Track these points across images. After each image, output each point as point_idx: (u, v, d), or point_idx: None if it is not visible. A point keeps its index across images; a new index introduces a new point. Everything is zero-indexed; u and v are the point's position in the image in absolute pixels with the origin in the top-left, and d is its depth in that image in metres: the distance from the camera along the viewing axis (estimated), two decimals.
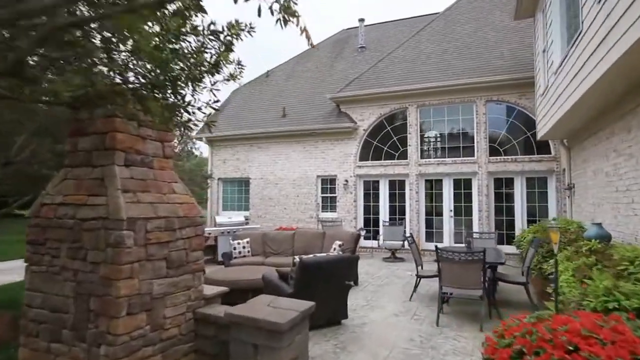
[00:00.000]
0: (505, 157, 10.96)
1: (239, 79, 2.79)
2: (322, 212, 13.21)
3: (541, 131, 9.05)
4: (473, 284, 5.15)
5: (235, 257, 8.24)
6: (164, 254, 3.74)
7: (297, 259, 4.93)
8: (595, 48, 4.85)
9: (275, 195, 13.78)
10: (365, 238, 12.12)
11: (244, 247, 8.41)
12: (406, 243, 10.34)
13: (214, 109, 2.79)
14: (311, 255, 5.05)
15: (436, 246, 5.44)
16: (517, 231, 10.69)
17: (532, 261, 5.90)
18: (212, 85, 2.69)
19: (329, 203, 13.18)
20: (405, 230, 11.41)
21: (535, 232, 7.70)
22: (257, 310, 3.68)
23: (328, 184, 13.20)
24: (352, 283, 5.50)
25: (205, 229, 10.45)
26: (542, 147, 10.63)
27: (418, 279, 6.64)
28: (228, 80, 2.77)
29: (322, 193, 13.26)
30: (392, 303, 6.41)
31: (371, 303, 6.43)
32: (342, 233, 8.00)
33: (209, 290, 4.40)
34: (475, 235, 8.06)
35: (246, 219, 12.95)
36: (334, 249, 7.63)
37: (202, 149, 17.31)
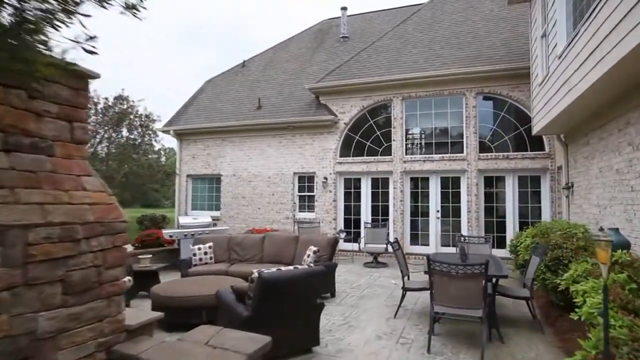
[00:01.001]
0: (497, 153, 10.17)
1: (139, 10, 1.76)
2: (300, 212, 12.20)
3: (537, 125, 8.26)
4: (472, 303, 4.23)
5: (195, 265, 7.15)
6: (58, 274, 2.67)
7: (255, 273, 3.93)
8: (620, 21, 3.99)
9: (248, 194, 12.69)
10: (346, 240, 11.19)
11: (205, 253, 7.32)
12: (390, 247, 9.45)
13: (88, 51, 1.74)
14: (273, 269, 4.04)
15: (428, 257, 4.50)
16: (509, 234, 9.93)
17: (536, 272, 5.03)
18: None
19: (306, 202, 12.18)
20: (388, 233, 10.51)
21: (534, 236, 6.88)
22: (188, 352, 2.65)
23: (306, 181, 12.19)
24: (323, 303, 4.51)
25: (167, 231, 9.33)
26: (536, 144, 9.89)
27: (404, 292, 5.71)
28: (125, 9, 1.73)
29: (299, 192, 12.24)
30: (374, 321, 5.45)
31: (350, 321, 5.46)
32: (318, 237, 7.02)
33: (136, 317, 3.34)
34: (467, 240, 7.20)
35: (214, 220, 11.85)
36: (308, 255, 6.63)
37: (167, 143, 16.05)
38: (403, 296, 5.78)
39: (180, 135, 13.63)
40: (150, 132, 9.85)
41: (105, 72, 3.37)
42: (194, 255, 7.22)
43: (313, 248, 6.65)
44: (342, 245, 11.32)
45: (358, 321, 5.45)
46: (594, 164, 6.65)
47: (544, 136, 9.74)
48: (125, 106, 8.66)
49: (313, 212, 11.89)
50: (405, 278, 5.83)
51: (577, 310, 3.34)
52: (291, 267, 4.19)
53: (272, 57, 15.97)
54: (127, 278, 6.29)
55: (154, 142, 9.97)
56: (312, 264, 5.38)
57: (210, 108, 13.94)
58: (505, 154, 10.06)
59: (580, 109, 6.09)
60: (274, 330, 3.88)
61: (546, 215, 9.63)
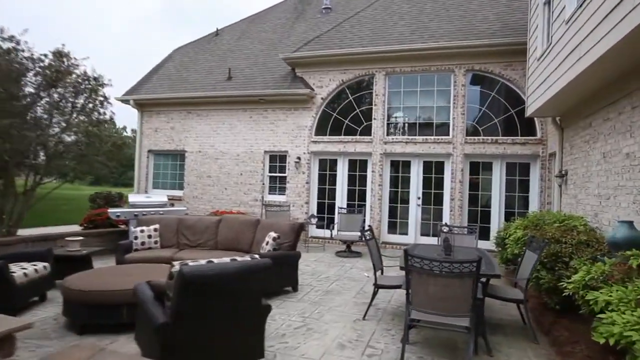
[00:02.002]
0: (485, 137, 9.35)
1: None
2: (269, 194, 11.19)
3: (532, 106, 7.43)
4: (458, 309, 3.36)
5: (136, 250, 6.10)
6: None
7: (176, 266, 2.94)
8: None
9: (214, 173, 11.58)
10: (318, 227, 10.29)
11: (149, 237, 6.27)
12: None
13: None
14: (202, 262, 3.05)
15: (405, 251, 3.58)
16: (493, 225, 9.19)
17: (533, 271, 4.20)
18: None
19: (277, 184, 11.16)
20: (364, 220, 9.65)
21: (525, 227, 6.09)
22: None
23: (277, 161, 11.15)
24: (270, 305, 3.57)
25: (113, 210, 8.20)
26: (527, 128, 9.11)
27: (376, 289, 4.82)
28: None
29: (269, 172, 11.21)
30: (339, 323, 4.56)
31: (309, 323, 4.55)
32: (281, 222, 6.06)
33: None
34: (451, 230, 6.35)
35: (172, 200, 10.72)
36: (267, 242, 5.66)
37: (124, 114, 14.66)
38: (374, 293, 4.89)
39: (141, 106, 12.32)
40: (100, 98, 8.55)
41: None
42: (135, 238, 6.16)
43: (273, 234, 5.68)
44: (314, 231, 10.43)
45: (319, 323, 4.54)
46: (596, 149, 5.86)
47: (536, 120, 8.96)
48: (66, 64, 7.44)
49: (284, 194, 10.90)
50: (378, 272, 4.94)
51: (599, 328, 2.49)
52: (227, 259, 3.21)
53: (248, 27, 14.67)
54: (41, 265, 5.23)
55: (102, 110, 8.70)
56: (264, 255, 4.40)
57: (177, 77, 12.65)
58: (494, 137, 9.25)
59: (589, 81, 5.24)
60: (200, 342, 2.91)
61: (534, 206, 8.91)
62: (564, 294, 3.59)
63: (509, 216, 9.11)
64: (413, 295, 3.52)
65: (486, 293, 4.16)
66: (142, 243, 6.17)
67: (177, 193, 12.00)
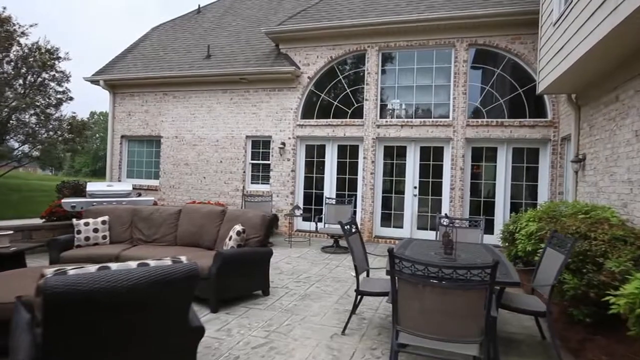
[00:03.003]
0: (489, 119, 8.38)
1: None
2: (252, 183, 10.22)
3: (545, 80, 6.46)
4: (464, 332, 2.42)
5: (78, 246, 5.14)
6: None
7: (47, 274, 1.99)
8: None
9: (192, 160, 10.58)
10: (305, 219, 9.33)
11: (95, 230, 5.30)
12: (351, 229, 7.65)
13: None
14: (91, 269, 2.09)
15: (391, 251, 2.61)
16: (498, 217, 8.27)
17: (559, 276, 3.26)
18: None
19: (260, 172, 10.19)
20: (354, 211, 8.71)
21: (539, 219, 5.14)
22: None
23: (260, 147, 10.17)
24: (203, 327, 2.66)
25: (68, 200, 7.22)
26: (537, 109, 8.14)
27: (359, 296, 3.87)
28: None
29: (252, 159, 10.22)
30: (311, 340, 3.62)
31: (274, 340, 3.61)
32: (249, 214, 5.10)
33: None
34: (452, 223, 5.38)
35: (146, 190, 9.75)
36: (230, 237, 4.70)
37: (88, 94, 13.65)
38: (357, 302, 3.94)
39: (113, 87, 11.27)
40: (56, 73, 7.67)
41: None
42: (78, 232, 5.19)
43: (238, 227, 4.72)
44: (301, 224, 9.50)
45: (286, 340, 3.60)
46: (625, 127, 4.90)
47: (547, 100, 7.98)
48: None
49: (268, 183, 9.93)
50: (363, 275, 3.99)
51: None
52: (133, 264, 2.23)
53: (233, 4, 13.57)
54: None
55: (55, 87, 7.86)
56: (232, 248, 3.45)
57: (152, 57, 11.58)
58: (499, 120, 8.27)
59: (624, 40, 4.25)
60: None
61: (543, 196, 7.97)
62: (610, 310, 2.65)
63: (515, 208, 8.18)
64: (402, 312, 2.57)
65: (499, 304, 3.23)
66: (87, 238, 5.20)
67: (153, 183, 11.02)
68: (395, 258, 2.48)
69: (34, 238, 7.00)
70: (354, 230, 4.20)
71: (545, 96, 7.92)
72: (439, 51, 8.78)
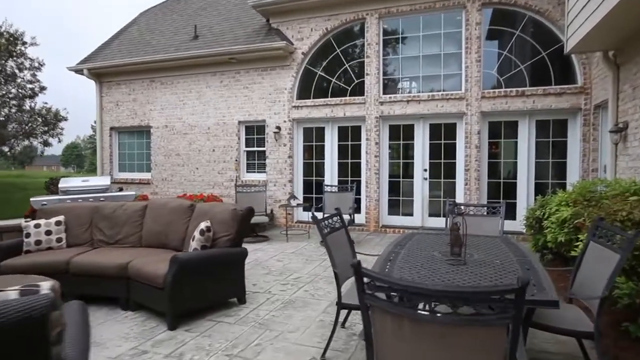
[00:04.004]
0: (508, 89, 7.31)
1: None
2: (248, 172, 9.44)
3: (576, 35, 5.38)
4: None
5: (27, 251, 4.45)
6: None
7: None
8: None
9: (183, 150, 9.86)
10: (306, 209, 8.52)
11: (48, 233, 4.60)
12: (353, 217, 6.80)
13: None
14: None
15: (356, 267, 1.72)
16: (520, 200, 7.27)
17: (611, 283, 2.33)
18: None
19: (256, 160, 9.39)
20: (357, 199, 7.85)
21: (574, 202, 4.17)
22: None
23: (254, 133, 9.35)
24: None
25: (37, 198, 6.60)
26: (564, 74, 7.04)
27: (341, 309, 3.02)
28: None
29: (246, 146, 9.42)
30: None
31: None
32: (217, 208, 4.29)
33: None
34: (464, 209, 4.46)
35: (138, 184, 9.09)
36: (194, 237, 3.91)
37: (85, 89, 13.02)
38: (338, 319, 3.10)
39: (98, 77, 10.59)
40: (22, 59, 7.05)
41: None
42: (27, 236, 4.50)
43: (203, 225, 3.93)
44: (301, 215, 8.71)
45: None
46: None
47: (576, 62, 6.87)
48: None
49: (264, 172, 9.13)
50: (347, 283, 3.15)
51: None
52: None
53: None
54: None
55: (27, 77, 7.31)
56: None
57: (138, 42, 10.83)
58: (519, 89, 7.20)
59: None
60: None
61: (574, 175, 6.92)
62: None
63: (540, 189, 7.16)
64: (381, 358, 1.71)
65: (528, 324, 2.33)
66: (37, 242, 4.51)
67: (145, 176, 10.37)
68: (363, 277, 1.62)
69: (4, 240, 6.41)
70: (337, 225, 3.35)
71: (574, 57, 6.80)
72: (448, 14, 7.71)
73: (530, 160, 7.30)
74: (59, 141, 13.43)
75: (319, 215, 7.41)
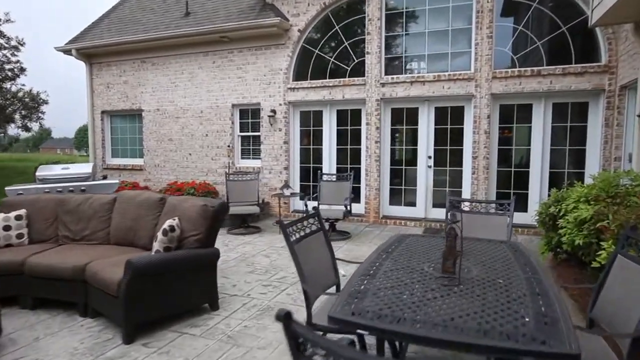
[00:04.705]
0: (522, 69, 6.63)
1: None
2: (243, 158, 8.96)
3: (602, 5, 4.69)
4: None
5: None
6: None
7: None
8: None
9: (176, 135, 9.39)
10: (302, 199, 8.03)
11: (7, 228, 4.19)
12: (354, 209, 6.28)
13: None
14: None
15: (282, 320, 1.24)
16: (533, 191, 6.68)
17: None
18: None
19: (250, 146, 8.90)
20: (356, 188, 7.32)
21: (595, 199, 3.59)
22: None
23: (249, 117, 8.82)
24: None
25: (12, 187, 6.22)
26: (586, 51, 6.32)
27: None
28: None
29: (240, 131, 8.92)
30: None
31: None
32: (186, 204, 3.82)
33: None
34: (466, 206, 3.91)
35: (131, 170, 8.67)
36: (156, 238, 3.45)
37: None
38: None
39: (88, 57, 10.10)
40: None
41: None
42: None
43: (168, 223, 3.47)
44: (297, 204, 8.26)
45: None
46: None
47: (601, 37, 6.15)
48: None
49: (259, 158, 8.64)
50: (321, 300, 2.66)
51: None
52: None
53: None
54: None
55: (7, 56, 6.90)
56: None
57: (129, 20, 10.27)
58: (535, 68, 6.51)
59: None
60: None
61: (593, 165, 6.29)
62: None
63: (555, 179, 6.55)
64: None
65: None
66: None
67: (138, 162, 9.97)
68: (295, 337, 1.11)
69: None
70: (314, 227, 2.85)
71: (599, 32, 6.08)
72: None
73: (545, 147, 6.66)
74: (40, 126, 13.07)
75: (311, 205, 6.94)
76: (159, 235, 3.40)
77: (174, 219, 3.61)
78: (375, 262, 2.53)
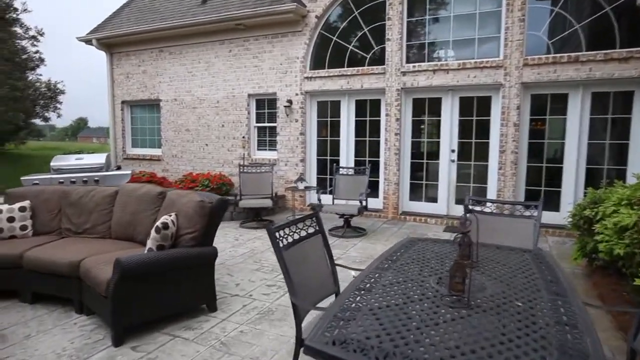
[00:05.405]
0: (557, 55, 6.05)
1: None
2: (259, 150, 8.77)
3: None
4: None
5: None
6: None
7: None
8: None
9: (192, 125, 9.30)
10: (317, 193, 7.76)
11: (11, 220, 4.14)
12: (369, 203, 5.96)
13: None
14: None
15: None
16: (567, 189, 6.15)
17: None
18: None
19: (267, 137, 8.68)
20: (373, 182, 6.98)
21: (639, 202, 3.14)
22: None
23: (266, 107, 8.59)
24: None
25: (27, 177, 6.27)
26: (633, 35, 5.68)
27: (301, 351, 2.28)
28: None
29: (257, 121, 8.71)
30: None
31: None
32: (184, 199, 3.62)
33: None
34: (487, 207, 3.52)
35: (149, 160, 8.66)
36: (149, 235, 3.27)
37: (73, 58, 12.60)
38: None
39: (108, 47, 10.13)
40: (17, 28, 6.59)
41: None
42: None
43: (161, 220, 3.28)
44: (313, 198, 7.99)
45: None
46: None
47: None
48: None
49: (275, 149, 8.42)
50: (311, 319, 2.38)
51: None
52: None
53: None
54: None
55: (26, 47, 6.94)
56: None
57: (149, 9, 10.20)
58: (573, 54, 5.92)
59: None
60: None
61: (637, 161, 5.70)
62: None
63: (592, 176, 5.99)
64: None
65: None
66: None
67: (157, 152, 9.98)
68: None
69: None
70: (311, 230, 2.56)
71: None
72: None
73: (581, 140, 6.09)
74: (58, 116, 13.43)
75: (327, 200, 6.65)
76: (152, 232, 3.21)
77: (171, 215, 3.42)
78: (377, 271, 2.23)
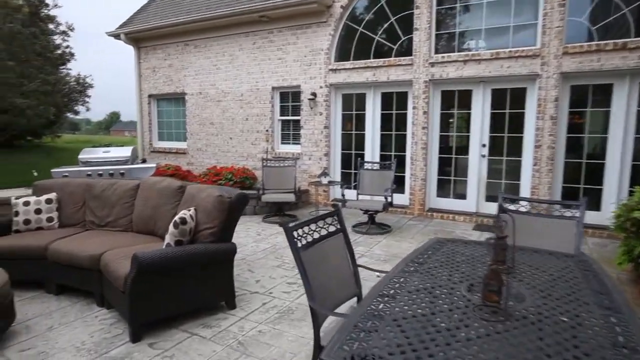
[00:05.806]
0: (601, 42, 5.62)
1: None
2: (283, 143, 8.67)
3: None
4: None
5: (17, 231, 4.12)
6: None
7: None
8: None
9: (217, 119, 9.31)
10: (341, 188, 7.60)
11: (38, 212, 4.21)
12: (394, 199, 5.76)
13: None
14: None
15: None
16: (609, 188, 5.75)
17: None
18: None
19: (291, 131, 8.57)
20: (399, 177, 6.75)
21: None
22: None
23: (290, 100, 8.47)
24: None
25: (58, 170, 6.41)
26: None
27: (318, 355, 2.15)
28: None
29: (281, 114, 8.61)
30: None
31: None
32: (203, 194, 3.54)
33: None
34: (522, 206, 3.26)
35: (175, 153, 8.72)
36: (168, 231, 3.21)
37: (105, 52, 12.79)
38: None
39: (136, 42, 10.26)
40: (48, 23, 6.71)
41: None
42: (16, 214, 4.14)
43: (179, 215, 3.22)
44: (337, 192, 7.86)
45: None
46: None
47: None
48: None
49: (299, 143, 8.31)
50: (330, 324, 2.24)
51: None
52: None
53: None
54: None
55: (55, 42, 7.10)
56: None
57: (174, 3, 10.25)
58: (619, 41, 5.48)
59: None
60: None
61: None
62: None
63: (638, 173, 5.55)
64: None
65: None
66: (26, 221, 4.14)
67: (182, 145, 10.07)
68: None
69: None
70: (332, 229, 2.42)
71: None
72: None
73: (627, 135, 5.65)
74: (87, 110, 13.80)
75: (351, 195, 6.50)
76: (170, 227, 3.15)
77: (190, 210, 3.36)
78: (399, 276, 2.07)
